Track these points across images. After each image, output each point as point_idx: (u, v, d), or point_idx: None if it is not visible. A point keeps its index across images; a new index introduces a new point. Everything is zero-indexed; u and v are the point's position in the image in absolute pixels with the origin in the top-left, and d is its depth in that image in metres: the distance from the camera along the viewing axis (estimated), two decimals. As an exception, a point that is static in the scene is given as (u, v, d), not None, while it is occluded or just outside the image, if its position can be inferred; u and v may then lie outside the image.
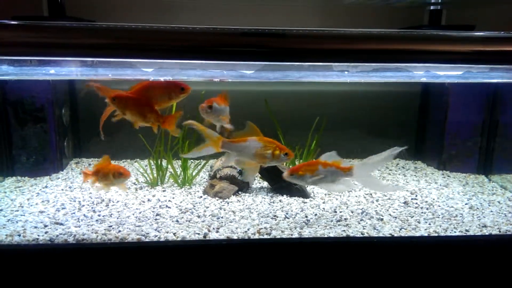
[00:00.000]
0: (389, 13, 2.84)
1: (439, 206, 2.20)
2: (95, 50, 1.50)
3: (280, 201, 2.22)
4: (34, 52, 1.51)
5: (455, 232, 1.89)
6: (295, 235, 1.82)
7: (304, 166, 1.75)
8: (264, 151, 1.71)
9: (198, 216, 1.98)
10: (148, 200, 2.20)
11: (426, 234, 1.86)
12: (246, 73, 1.76)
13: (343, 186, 1.77)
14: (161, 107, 1.78)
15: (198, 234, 1.80)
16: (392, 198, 2.30)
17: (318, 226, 1.90)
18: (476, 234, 1.89)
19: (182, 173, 2.46)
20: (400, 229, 1.89)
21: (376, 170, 2.69)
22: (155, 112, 1.74)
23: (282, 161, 1.75)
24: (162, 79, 1.76)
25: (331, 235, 1.83)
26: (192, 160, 2.69)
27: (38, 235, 1.76)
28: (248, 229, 1.84)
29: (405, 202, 2.23)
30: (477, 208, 2.18)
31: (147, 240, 1.75)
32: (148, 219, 1.94)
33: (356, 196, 2.31)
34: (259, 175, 2.45)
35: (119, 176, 1.83)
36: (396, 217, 2.02)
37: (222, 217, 1.97)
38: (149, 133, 2.49)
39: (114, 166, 1.86)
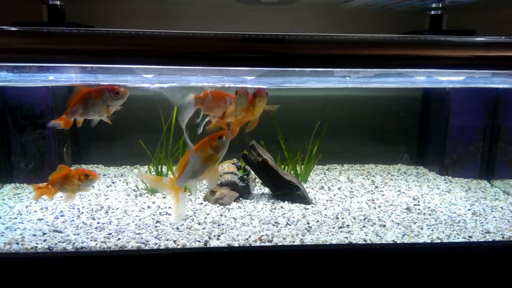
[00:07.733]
0: (390, 18, 2.83)
1: (441, 212, 2.18)
2: (95, 56, 1.49)
3: (281, 207, 2.20)
4: (33, 58, 1.50)
5: (458, 238, 1.87)
6: (297, 242, 1.80)
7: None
8: (209, 156, 1.61)
9: (199, 223, 1.96)
10: (148, 207, 2.18)
11: (429, 241, 1.84)
12: (247, 78, 1.75)
13: None
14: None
15: (199, 241, 1.78)
16: (394, 204, 2.28)
17: (320, 232, 1.88)
18: (480, 240, 1.87)
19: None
20: (403, 236, 1.87)
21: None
22: None
23: (224, 145, 1.62)
24: (166, 86, 1.75)
25: (334, 242, 1.81)
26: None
27: (37, 243, 1.74)
28: (250, 236, 1.82)
29: (407, 208, 2.21)
30: (480, 214, 2.16)
31: (147, 248, 1.73)
32: (148, 227, 1.92)
33: (358, 202, 2.29)
34: (260, 182, 2.44)
35: (86, 179, 1.72)
36: (398, 224, 2.00)
37: (223, 224, 1.95)
38: (149, 139, 2.50)
39: (77, 170, 1.76)
